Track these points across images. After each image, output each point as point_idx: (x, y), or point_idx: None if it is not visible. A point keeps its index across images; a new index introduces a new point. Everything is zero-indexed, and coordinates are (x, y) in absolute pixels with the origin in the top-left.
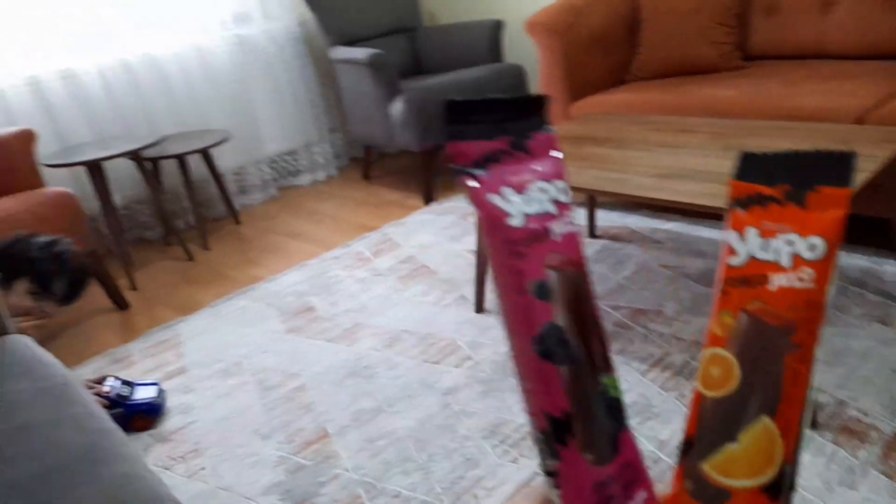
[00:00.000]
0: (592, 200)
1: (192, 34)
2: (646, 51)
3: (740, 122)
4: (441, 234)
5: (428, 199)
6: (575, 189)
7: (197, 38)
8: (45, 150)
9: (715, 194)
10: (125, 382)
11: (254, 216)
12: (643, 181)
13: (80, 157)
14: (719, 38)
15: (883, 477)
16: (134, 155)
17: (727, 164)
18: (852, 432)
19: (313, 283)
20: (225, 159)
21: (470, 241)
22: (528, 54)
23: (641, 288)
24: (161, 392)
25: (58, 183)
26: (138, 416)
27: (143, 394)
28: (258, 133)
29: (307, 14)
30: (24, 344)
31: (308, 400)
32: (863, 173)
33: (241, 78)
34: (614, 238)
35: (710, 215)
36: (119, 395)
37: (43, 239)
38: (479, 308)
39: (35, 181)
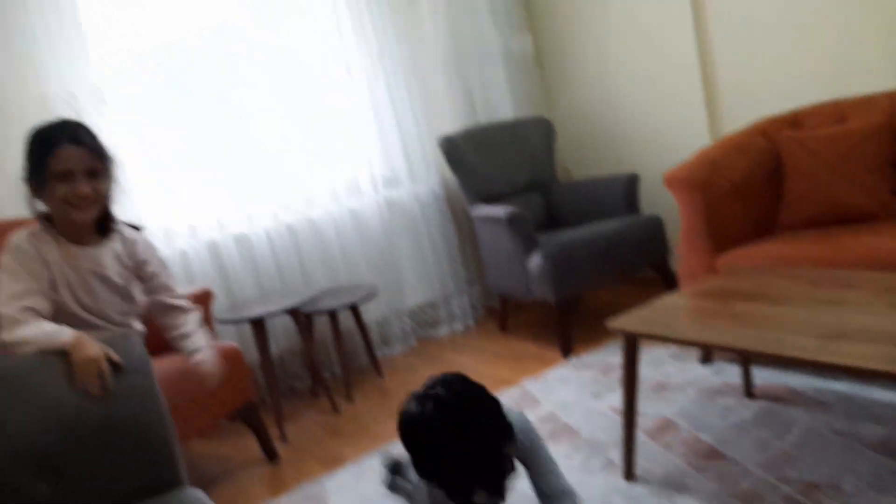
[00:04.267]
0: (747, 359)
1: (350, 198)
2: (792, 200)
3: None
4: (582, 390)
5: (566, 351)
6: (727, 349)
7: (352, 202)
8: (217, 305)
9: (888, 357)
10: None
11: (395, 367)
12: (804, 342)
13: (247, 313)
14: (874, 186)
15: None
16: (294, 311)
17: None
18: None
19: None
20: (370, 312)
21: (613, 399)
22: (665, 204)
23: (812, 457)
24: None
25: (223, 336)
26: None
27: None
28: (401, 286)
29: (449, 175)
30: (199, 498)
31: None
32: None
33: (388, 235)
34: (775, 399)
35: (885, 377)
36: None
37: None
38: (629, 474)
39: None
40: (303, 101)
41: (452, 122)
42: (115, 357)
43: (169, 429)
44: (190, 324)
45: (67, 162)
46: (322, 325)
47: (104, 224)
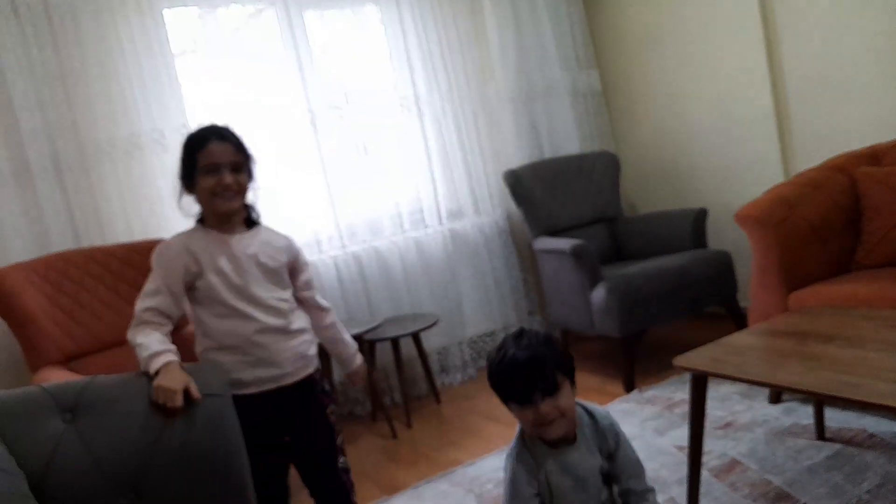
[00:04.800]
0: (820, 399)
1: (415, 229)
2: (871, 239)
3: None
4: (645, 425)
5: (629, 386)
6: (801, 392)
7: (418, 233)
8: None
9: None
10: None
11: (453, 395)
12: (882, 387)
13: None
14: None
15: None
16: (358, 338)
17: None
18: None
19: None
20: (431, 340)
21: (677, 436)
22: (734, 240)
23: None
24: None
25: None
26: None
27: None
28: (462, 316)
29: (514, 209)
30: None
31: None
32: None
33: (451, 266)
34: (849, 442)
35: None
36: None
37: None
38: None
39: None
40: (371, 133)
41: (518, 157)
42: (194, 389)
43: (243, 457)
44: (339, 325)
45: (214, 156)
46: (384, 353)
47: (250, 218)
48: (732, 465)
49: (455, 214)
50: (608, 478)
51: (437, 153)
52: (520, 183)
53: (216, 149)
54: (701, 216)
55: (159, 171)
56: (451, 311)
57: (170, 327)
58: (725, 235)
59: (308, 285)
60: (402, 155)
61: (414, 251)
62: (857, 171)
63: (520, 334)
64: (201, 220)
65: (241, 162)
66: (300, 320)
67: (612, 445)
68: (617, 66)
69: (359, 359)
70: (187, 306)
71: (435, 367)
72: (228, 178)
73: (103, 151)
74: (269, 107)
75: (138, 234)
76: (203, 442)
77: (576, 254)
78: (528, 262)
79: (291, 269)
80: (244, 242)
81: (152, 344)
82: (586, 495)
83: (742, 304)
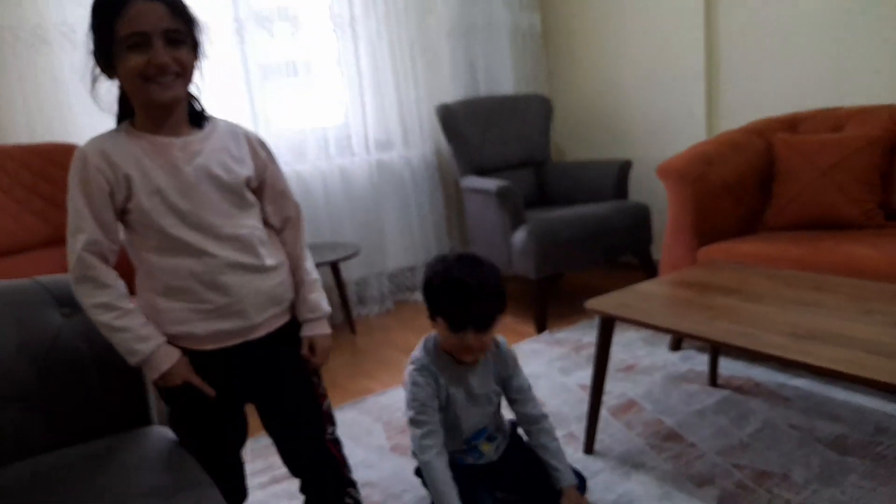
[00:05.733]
0: (716, 349)
1: (342, 157)
2: (780, 202)
3: (883, 286)
4: (552, 365)
5: (541, 328)
6: (701, 339)
7: (344, 160)
8: None
9: (857, 362)
10: None
11: (369, 327)
12: (775, 339)
13: None
14: (861, 196)
15: None
16: None
17: (867, 329)
18: None
19: None
20: (350, 270)
21: (581, 376)
22: (653, 193)
23: (766, 448)
24: None
25: None
26: None
27: None
28: (383, 248)
29: (443, 144)
30: (165, 436)
31: None
32: None
33: (376, 197)
34: (738, 389)
35: (845, 377)
36: None
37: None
38: (589, 449)
39: None
40: (301, 52)
41: (453, 92)
42: (200, 383)
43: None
44: (311, 265)
45: (140, 21)
46: None
47: (196, 113)
48: (630, 405)
49: (383, 145)
50: (495, 397)
51: (370, 80)
52: (452, 118)
53: (142, 10)
54: (625, 168)
55: (68, 71)
56: (372, 243)
57: (114, 272)
58: (647, 187)
59: (283, 197)
60: (332, 78)
61: (338, 178)
62: (775, 136)
63: (476, 259)
64: (128, 118)
65: (179, 29)
66: (275, 253)
67: (509, 371)
68: (559, 11)
69: (325, 327)
70: (123, 234)
71: (353, 297)
72: (163, 54)
73: (5, 42)
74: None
75: (41, 137)
76: (100, 351)
77: (501, 195)
78: (453, 199)
79: (259, 183)
80: (191, 149)
81: (133, 324)
82: (478, 409)
83: (655, 256)
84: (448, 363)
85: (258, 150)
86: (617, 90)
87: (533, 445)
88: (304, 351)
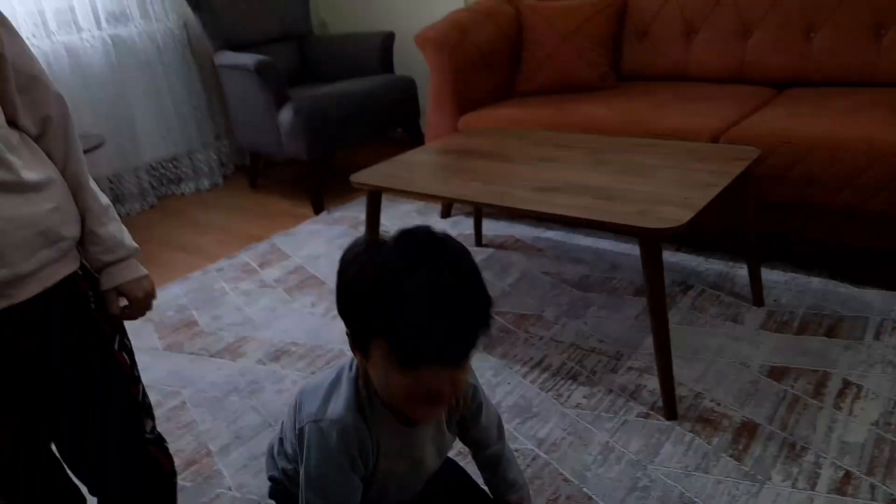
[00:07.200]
0: (479, 211)
1: (64, 32)
2: (529, 69)
3: (612, 139)
4: (331, 243)
5: (318, 208)
6: (461, 201)
7: (68, 38)
8: None
9: (586, 206)
10: None
11: (131, 226)
12: (523, 194)
13: None
14: (596, 59)
15: (732, 460)
16: None
17: (599, 178)
18: (707, 421)
19: (195, 296)
20: (99, 166)
21: None
22: (420, 66)
23: (524, 294)
24: None
25: None
26: None
27: None
28: (136, 139)
29: (190, 16)
30: None
31: (189, 419)
32: (716, 187)
33: (117, 80)
34: (500, 247)
35: (586, 225)
36: None
37: None
38: None
39: None
40: None
41: None
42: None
43: None
44: (94, 185)
45: None
46: None
47: None
48: None
49: (117, 18)
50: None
51: None
52: None
53: None
54: (388, 40)
55: None
56: (121, 134)
57: None
58: (414, 60)
59: (34, 103)
60: None
61: (66, 60)
62: (522, 3)
63: (430, 238)
64: None
65: None
66: (37, 165)
67: (470, 411)
68: None
69: (136, 268)
70: None
71: (108, 195)
72: None
73: None
74: None
75: None
76: None
77: (260, 71)
78: (212, 80)
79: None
80: None
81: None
82: (415, 480)
83: (424, 129)
84: (389, 423)
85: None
86: None
87: (492, 481)
88: (114, 308)
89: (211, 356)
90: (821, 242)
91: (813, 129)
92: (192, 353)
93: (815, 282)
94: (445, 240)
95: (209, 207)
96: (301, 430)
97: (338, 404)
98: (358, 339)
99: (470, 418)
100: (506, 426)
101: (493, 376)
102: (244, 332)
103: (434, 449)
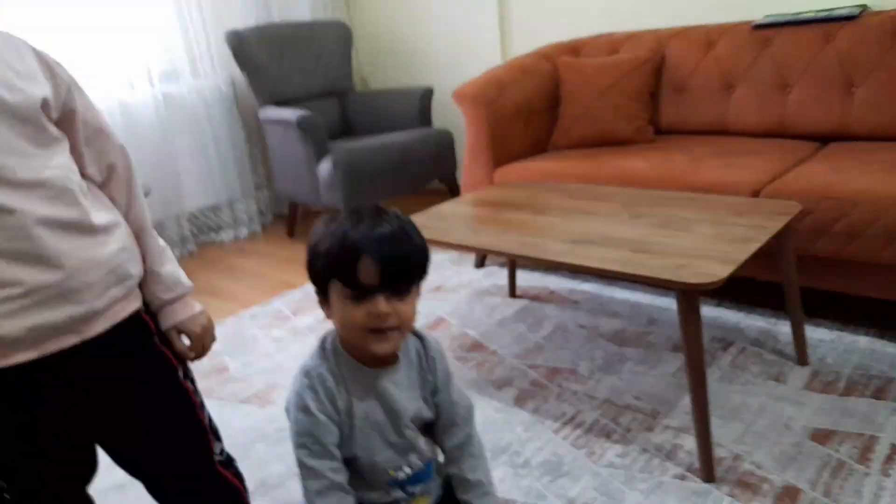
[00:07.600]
0: (513, 262)
1: (119, 90)
2: (565, 123)
3: (649, 192)
4: None
5: None
6: (495, 253)
7: (122, 94)
8: None
9: (623, 260)
10: None
11: None
12: (557, 247)
13: None
14: (633, 113)
15: None
16: None
17: (635, 232)
18: (747, 485)
19: (228, 341)
20: None
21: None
22: (457, 120)
23: (558, 347)
24: None
25: None
26: None
27: None
28: (179, 188)
29: (238, 73)
30: None
31: None
32: (756, 242)
33: (165, 133)
34: (534, 298)
35: (623, 278)
36: None
37: None
38: None
39: None
40: None
41: (243, 17)
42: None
43: None
44: (156, 240)
45: None
46: None
47: None
48: (438, 322)
49: (169, 76)
50: (427, 428)
51: (147, 4)
52: (244, 45)
53: None
54: (427, 95)
55: None
56: (165, 184)
57: None
58: (451, 114)
59: (99, 136)
60: (103, 3)
61: (118, 115)
62: (559, 60)
63: (373, 206)
64: None
65: None
66: (104, 209)
67: (438, 380)
68: None
69: (193, 306)
70: None
71: None
72: None
73: None
74: None
75: None
76: None
77: (302, 124)
78: (255, 134)
79: (63, 113)
80: None
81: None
82: (396, 436)
83: (460, 181)
84: (353, 367)
85: (54, 67)
86: (415, 16)
87: (456, 477)
88: (178, 346)
89: (240, 402)
90: (868, 299)
91: (856, 184)
92: (221, 399)
93: (863, 340)
94: (389, 209)
95: (246, 255)
96: (286, 409)
97: (309, 360)
98: (321, 292)
99: (436, 385)
100: (536, 484)
101: (524, 431)
102: (274, 378)
103: (408, 402)
